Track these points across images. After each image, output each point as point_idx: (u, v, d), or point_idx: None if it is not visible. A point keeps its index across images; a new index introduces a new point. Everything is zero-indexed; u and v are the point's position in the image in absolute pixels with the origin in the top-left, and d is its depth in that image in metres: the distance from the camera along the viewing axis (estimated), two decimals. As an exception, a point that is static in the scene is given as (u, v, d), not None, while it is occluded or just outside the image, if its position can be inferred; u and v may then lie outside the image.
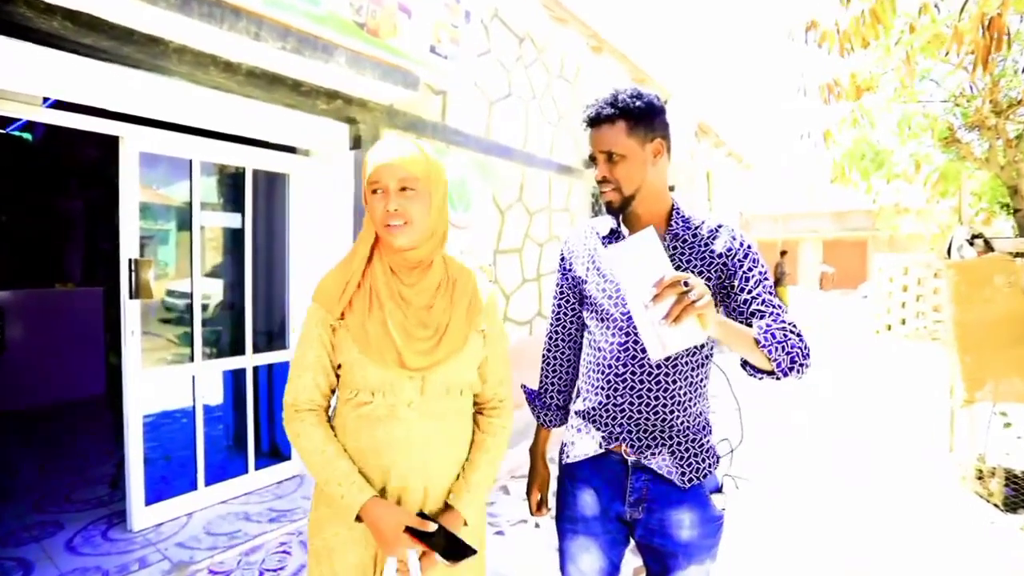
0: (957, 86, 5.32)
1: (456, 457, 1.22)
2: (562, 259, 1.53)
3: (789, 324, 1.21)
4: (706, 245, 1.29)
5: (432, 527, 1.12)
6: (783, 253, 13.85)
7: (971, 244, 3.83)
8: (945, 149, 5.77)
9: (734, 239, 1.29)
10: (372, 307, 1.14)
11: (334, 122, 3.13)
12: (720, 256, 1.27)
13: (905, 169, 5.93)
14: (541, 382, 1.58)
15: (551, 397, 1.55)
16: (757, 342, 1.17)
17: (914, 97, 5.36)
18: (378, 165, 1.13)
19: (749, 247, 1.29)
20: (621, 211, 1.32)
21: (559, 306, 1.52)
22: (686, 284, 1.01)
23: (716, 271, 1.27)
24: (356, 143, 3.23)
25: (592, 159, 1.33)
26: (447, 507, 1.21)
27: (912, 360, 8.34)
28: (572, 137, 5.76)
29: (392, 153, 1.15)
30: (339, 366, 1.18)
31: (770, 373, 1.20)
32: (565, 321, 1.51)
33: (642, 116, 1.27)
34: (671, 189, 8.26)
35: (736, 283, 1.27)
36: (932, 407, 5.41)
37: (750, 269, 1.26)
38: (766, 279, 1.26)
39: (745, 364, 1.27)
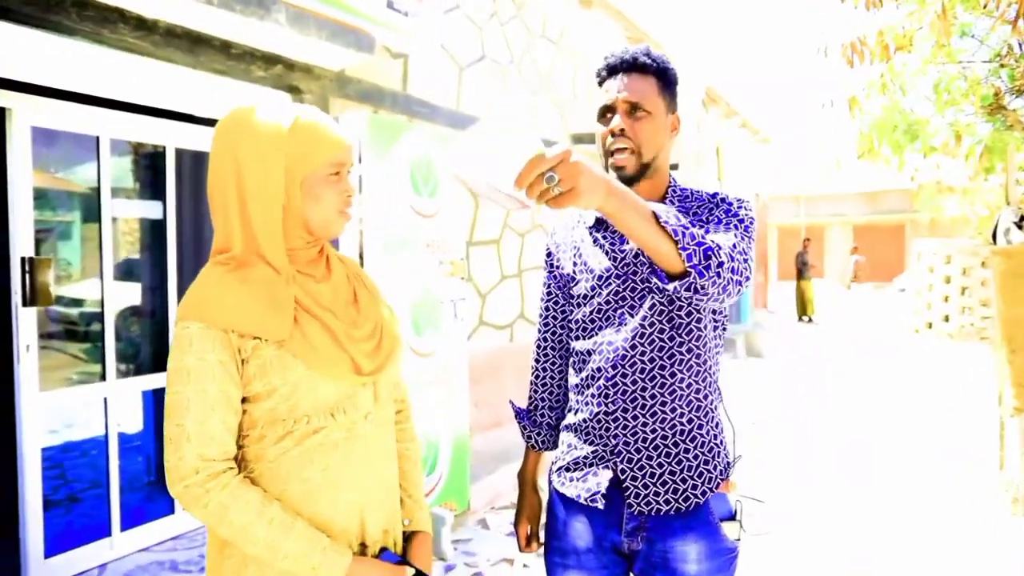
0: (1002, 43, 5.42)
1: (394, 473, 1.26)
2: (548, 254, 1.54)
3: (719, 232, 1.22)
4: (699, 214, 1.34)
5: (411, 572, 1.18)
6: (806, 242, 14.06)
7: (1020, 227, 3.95)
8: (989, 118, 5.90)
9: (724, 200, 1.34)
10: (301, 316, 1.12)
11: (273, 91, 3.12)
12: (709, 220, 1.31)
13: (945, 141, 6.06)
14: (530, 398, 1.59)
15: (542, 415, 1.57)
16: (656, 218, 1.06)
17: (953, 57, 5.45)
18: (347, 145, 1.15)
19: (732, 202, 1.32)
20: (631, 183, 1.33)
21: (547, 309, 1.54)
22: (549, 179, 0.94)
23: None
24: (299, 116, 3.22)
25: (608, 110, 1.35)
26: (410, 534, 1.26)
27: (957, 363, 8.54)
28: (557, 107, 5.79)
29: (343, 130, 1.17)
30: (243, 400, 1.11)
31: (682, 276, 1.10)
32: (555, 326, 1.53)
33: (672, 83, 1.35)
34: (675, 168, 8.29)
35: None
36: (979, 418, 5.57)
37: (713, 211, 1.32)
38: (734, 227, 1.26)
39: (652, 272, 1.16)
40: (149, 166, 3.50)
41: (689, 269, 1.08)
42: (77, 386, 3.30)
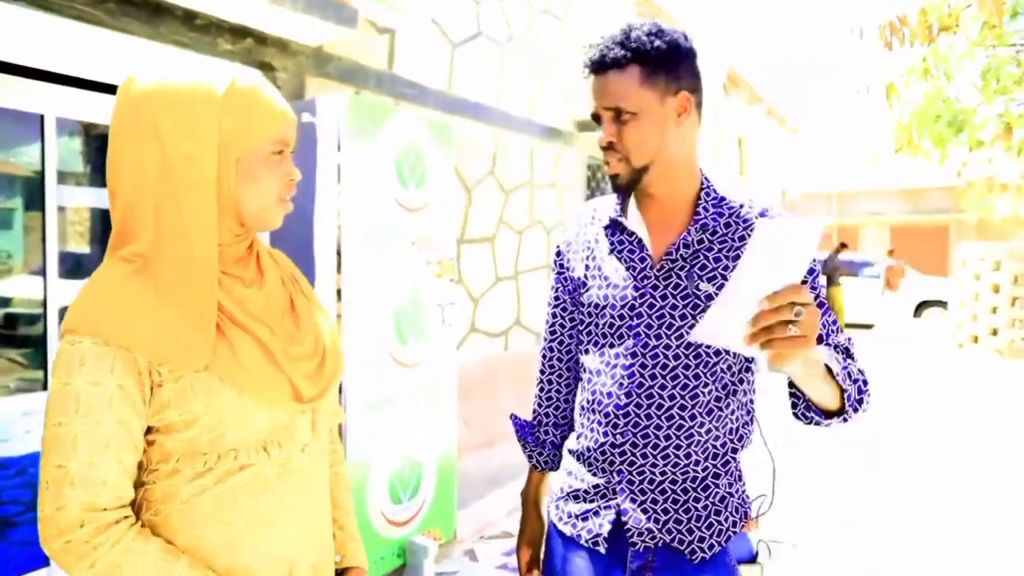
0: (1059, 26, 5.45)
1: (328, 509, 1.22)
2: (558, 253, 1.53)
3: (843, 344, 1.28)
4: (743, 239, 1.29)
5: None
6: (841, 246, 14.02)
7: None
8: (1044, 108, 5.93)
9: None
10: (228, 328, 1.03)
11: (242, 68, 3.10)
12: None
13: (996, 134, 6.07)
14: (534, 413, 1.60)
15: (546, 432, 1.57)
16: (830, 371, 1.18)
17: (1004, 39, 5.46)
18: (292, 119, 1.09)
19: None
20: (629, 189, 1.33)
21: (555, 316, 1.54)
22: (797, 313, 0.98)
23: None
24: (271, 96, 3.22)
25: (596, 118, 1.33)
26: (342, 571, 1.25)
27: (1007, 383, 8.52)
28: (561, 90, 5.81)
29: (286, 103, 1.11)
30: (149, 430, 1.02)
31: (837, 413, 1.25)
32: (563, 336, 1.53)
33: (662, 60, 1.24)
34: None
35: None
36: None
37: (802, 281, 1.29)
38: (814, 290, 1.30)
39: (797, 405, 1.31)
40: (102, 148, 3.49)
41: (847, 409, 1.22)
42: (14, 395, 3.29)
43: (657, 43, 1.24)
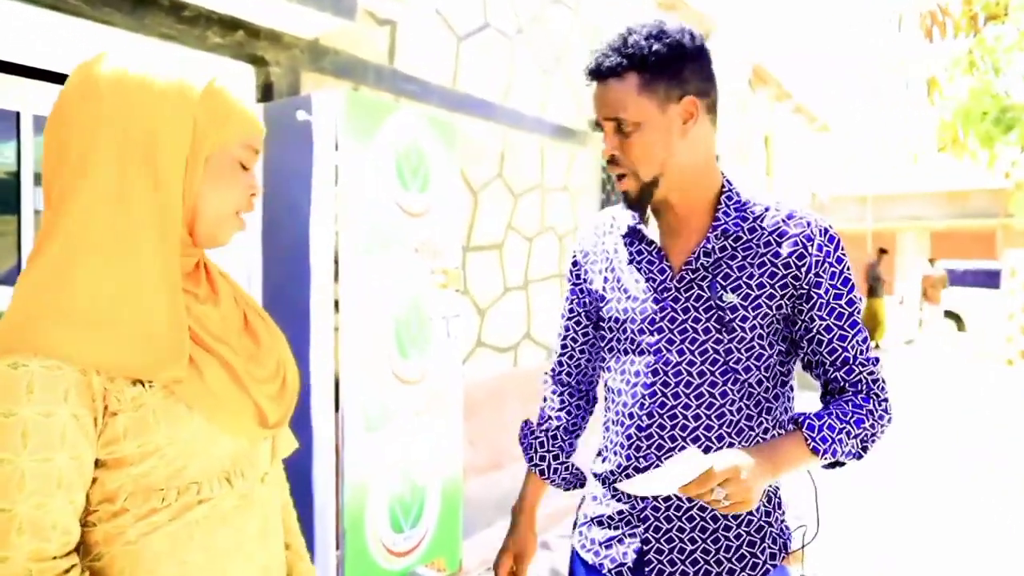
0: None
1: (282, 539, 1.22)
2: (574, 264, 1.54)
3: (866, 385, 1.30)
4: (769, 245, 1.29)
5: None
6: (881, 253, 13.90)
7: None
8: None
9: (809, 240, 1.28)
10: (191, 348, 1.00)
11: (233, 62, 3.13)
12: (787, 266, 1.28)
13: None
14: (540, 418, 1.60)
15: (553, 437, 1.57)
16: (815, 452, 1.23)
17: (1056, 30, 5.47)
18: (261, 127, 1.09)
19: (830, 253, 1.28)
20: (643, 204, 1.33)
21: (567, 330, 1.55)
22: (721, 496, 1.11)
23: (780, 286, 1.28)
24: (266, 92, 3.23)
25: (599, 126, 1.33)
26: None
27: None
28: (574, 86, 5.82)
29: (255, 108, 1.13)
30: (96, 463, 0.97)
31: (841, 463, 1.31)
32: (573, 350, 1.55)
33: (662, 66, 1.24)
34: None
35: (803, 312, 1.29)
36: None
37: (826, 292, 1.27)
38: (849, 306, 1.28)
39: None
40: (82, 150, 3.52)
41: (844, 461, 1.29)
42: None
43: (656, 47, 1.24)
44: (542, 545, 3.88)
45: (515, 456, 4.70)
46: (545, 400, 1.61)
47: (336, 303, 2.75)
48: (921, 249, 25.36)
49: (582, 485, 1.56)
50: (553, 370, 1.60)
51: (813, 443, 1.21)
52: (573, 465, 1.57)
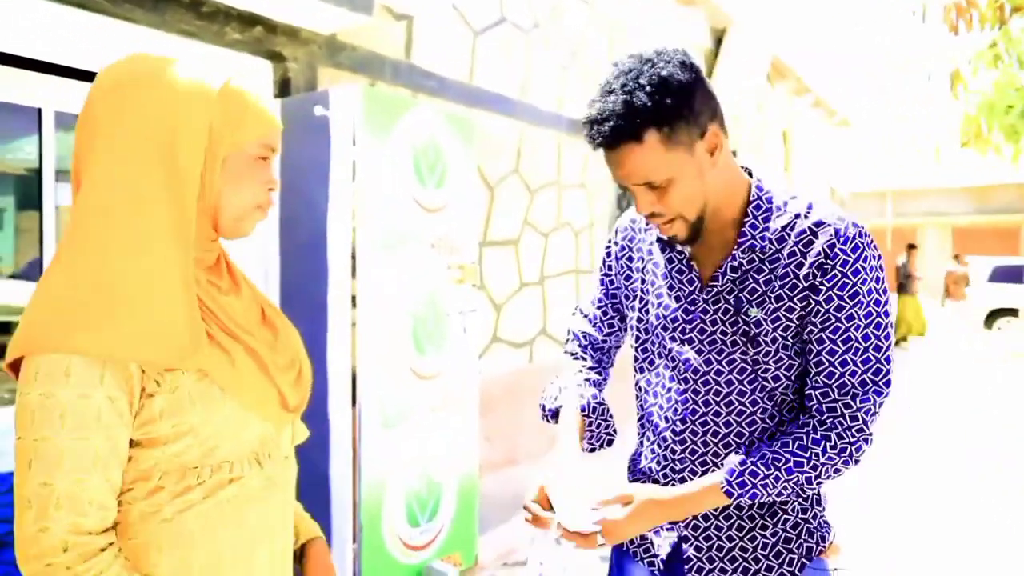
0: None
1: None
2: (607, 254, 1.56)
3: (834, 420, 1.22)
4: (793, 256, 1.26)
5: None
6: (910, 249, 13.62)
7: None
8: None
9: (831, 248, 1.22)
10: (219, 336, 1.07)
11: (252, 58, 3.16)
12: (807, 277, 1.24)
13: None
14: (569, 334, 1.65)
15: (590, 340, 1.59)
16: (728, 495, 1.26)
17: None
18: (278, 125, 1.15)
19: (847, 263, 1.22)
20: (694, 240, 1.30)
21: (594, 320, 1.60)
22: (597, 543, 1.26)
23: (800, 298, 1.25)
24: (284, 88, 3.25)
25: (622, 186, 1.30)
26: (300, 549, 1.31)
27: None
28: (591, 82, 5.80)
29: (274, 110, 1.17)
30: (130, 444, 1.03)
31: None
32: (597, 340, 1.59)
33: (678, 111, 1.17)
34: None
35: (808, 321, 1.25)
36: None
37: (829, 301, 1.22)
38: (848, 321, 1.21)
39: None
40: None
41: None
42: (7, 406, 3.34)
43: (668, 99, 1.16)
44: (555, 542, 3.88)
45: (531, 452, 4.70)
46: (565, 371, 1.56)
47: (353, 298, 2.77)
48: (942, 246, 25.10)
49: (611, 444, 1.49)
50: (572, 351, 1.61)
51: (727, 487, 1.23)
52: (600, 402, 1.46)
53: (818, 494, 1.38)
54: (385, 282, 2.82)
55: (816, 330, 1.24)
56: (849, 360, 1.21)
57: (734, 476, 1.22)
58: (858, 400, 1.21)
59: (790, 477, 1.21)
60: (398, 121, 2.89)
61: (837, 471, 1.22)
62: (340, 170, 2.73)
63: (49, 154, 3.08)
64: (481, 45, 4.62)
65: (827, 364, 1.22)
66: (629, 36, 6.20)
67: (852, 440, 1.21)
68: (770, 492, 1.22)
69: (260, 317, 1.19)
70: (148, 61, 1.06)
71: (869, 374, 1.21)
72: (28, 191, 3.40)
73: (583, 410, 1.40)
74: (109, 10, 2.62)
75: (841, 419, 1.21)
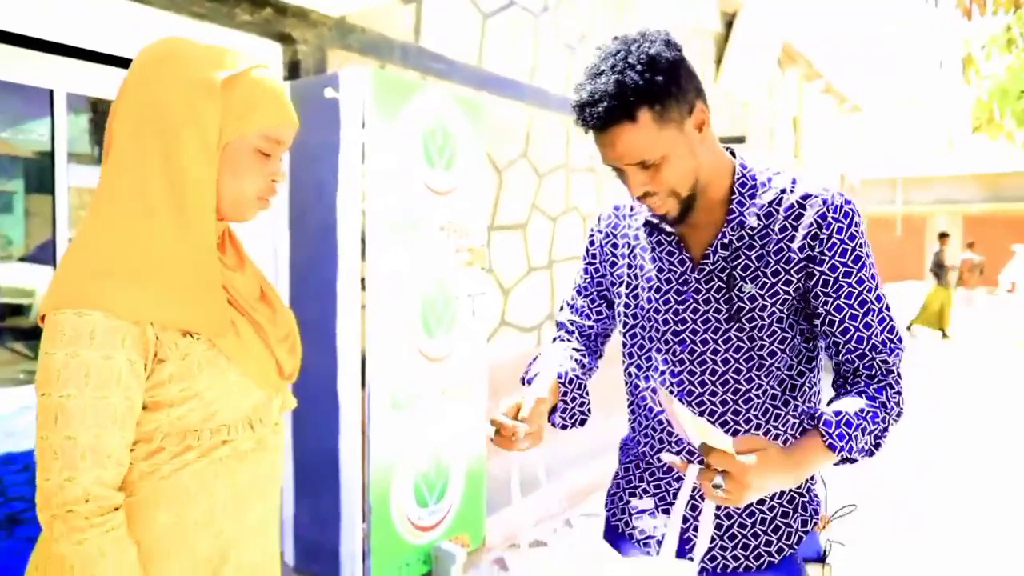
0: None
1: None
2: (591, 242, 1.56)
3: (880, 374, 1.25)
4: (785, 231, 1.28)
5: None
6: (943, 237, 13.08)
7: None
8: None
9: (822, 218, 1.25)
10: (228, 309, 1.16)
11: (261, 40, 3.16)
12: (801, 248, 1.27)
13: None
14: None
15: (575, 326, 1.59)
16: (831, 448, 1.18)
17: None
18: (290, 120, 1.18)
19: (841, 230, 1.25)
20: (685, 218, 1.31)
21: (575, 310, 1.59)
22: (716, 484, 1.09)
23: (796, 270, 1.28)
24: (293, 70, 3.26)
25: (616, 169, 1.31)
26: None
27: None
28: (601, 64, 5.79)
29: (292, 107, 1.20)
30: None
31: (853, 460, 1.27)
32: (581, 326, 1.58)
33: (668, 89, 1.19)
34: (740, 142, 7.96)
35: (815, 292, 1.27)
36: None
37: (833, 270, 1.25)
38: (859, 284, 1.25)
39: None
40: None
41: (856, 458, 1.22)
42: (22, 386, 3.38)
43: (658, 77, 1.18)
44: (564, 523, 3.92)
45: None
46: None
47: (363, 281, 2.79)
48: (953, 234, 24.96)
49: (583, 423, 1.46)
50: (555, 339, 1.60)
51: (830, 440, 1.17)
52: (580, 387, 1.43)
53: (813, 478, 1.40)
54: (394, 264, 2.84)
55: (831, 299, 1.26)
56: (872, 322, 1.25)
57: (832, 428, 1.18)
58: (891, 355, 1.26)
59: (875, 427, 1.21)
60: (407, 104, 2.90)
61: (895, 421, 1.26)
62: (349, 152, 2.75)
63: (61, 136, 3.09)
64: (490, 28, 4.61)
65: (853, 329, 1.25)
66: (639, 19, 6.17)
67: (900, 391, 1.26)
68: (858, 445, 1.19)
69: (259, 294, 1.26)
70: (173, 44, 1.11)
71: (887, 332, 1.26)
72: (39, 174, 3.42)
73: (559, 377, 1.39)
74: (120, -9, 2.63)
75: (883, 373, 1.26)
